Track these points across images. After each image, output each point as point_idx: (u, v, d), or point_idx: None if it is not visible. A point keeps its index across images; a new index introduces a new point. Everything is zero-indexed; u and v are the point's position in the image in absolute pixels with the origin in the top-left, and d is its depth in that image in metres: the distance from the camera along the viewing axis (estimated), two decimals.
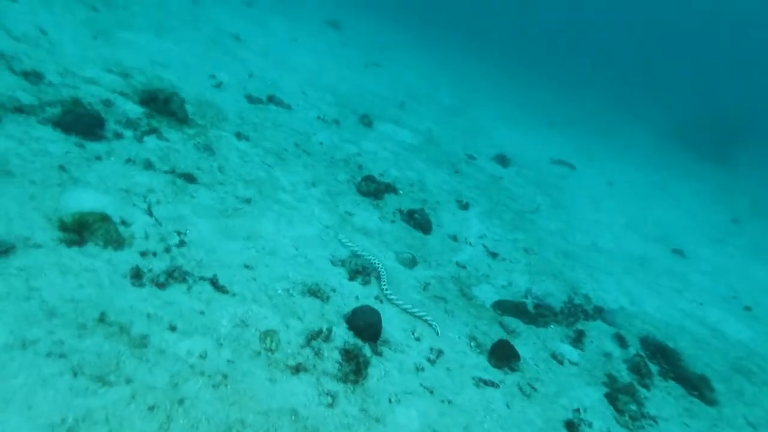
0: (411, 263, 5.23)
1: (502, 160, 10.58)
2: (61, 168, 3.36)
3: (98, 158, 3.75)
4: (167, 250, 3.33)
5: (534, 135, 14.75)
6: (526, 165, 11.11)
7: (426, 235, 6.09)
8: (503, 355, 4.19)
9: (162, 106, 5.15)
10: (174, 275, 3.16)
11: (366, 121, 9.32)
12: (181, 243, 3.49)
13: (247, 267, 3.67)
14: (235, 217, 4.20)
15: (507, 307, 5.18)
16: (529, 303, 5.51)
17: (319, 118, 8.20)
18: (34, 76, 4.32)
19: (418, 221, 6.20)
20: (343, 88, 11.32)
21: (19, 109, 3.75)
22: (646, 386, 4.67)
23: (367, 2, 24.33)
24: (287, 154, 6.16)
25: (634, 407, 4.15)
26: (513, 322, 4.94)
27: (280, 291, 3.64)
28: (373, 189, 6.40)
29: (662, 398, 4.59)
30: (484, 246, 6.51)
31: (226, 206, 4.27)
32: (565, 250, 7.36)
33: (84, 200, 3.18)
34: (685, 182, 15.90)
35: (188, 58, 7.85)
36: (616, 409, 4.14)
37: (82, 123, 3.98)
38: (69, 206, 3.06)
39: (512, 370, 4.13)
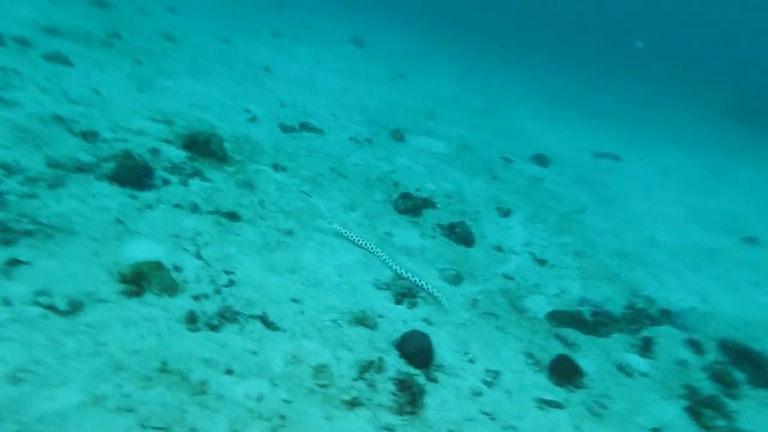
0: (456, 280, 5.09)
1: (541, 159, 10.20)
2: (118, 221, 3.57)
3: (149, 207, 3.96)
4: (218, 291, 3.42)
5: (571, 130, 14.16)
6: (567, 162, 10.65)
7: (469, 248, 5.94)
8: (565, 372, 3.95)
9: (203, 147, 5.39)
10: (226, 316, 3.24)
11: (398, 136, 9.32)
12: (230, 283, 3.58)
13: (294, 301, 3.71)
14: (278, 251, 4.27)
15: (562, 318, 4.91)
16: (586, 311, 5.20)
17: (351, 138, 8.28)
18: (90, 135, 4.66)
19: (460, 235, 6.06)
20: (371, 104, 11.42)
21: (80, 169, 4.03)
22: (732, 396, 4.23)
23: (388, 16, 24.62)
24: (323, 179, 6.24)
25: (722, 422, 3.76)
26: (571, 333, 4.67)
27: (328, 322, 3.64)
28: (411, 206, 6.34)
29: (755, 409, 4.14)
30: (531, 254, 6.25)
31: (268, 240, 4.36)
32: (619, 249, 6.93)
33: (139, 250, 3.35)
34: (746, 163, 14.61)
35: (223, 96, 8.19)
36: (702, 426, 3.77)
37: (133, 175, 4.22)
38: (127, 258, 3.23)
39: (576, 387, 3.88)
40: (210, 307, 3.24)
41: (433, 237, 5.91)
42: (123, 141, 4.87)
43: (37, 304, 2.57)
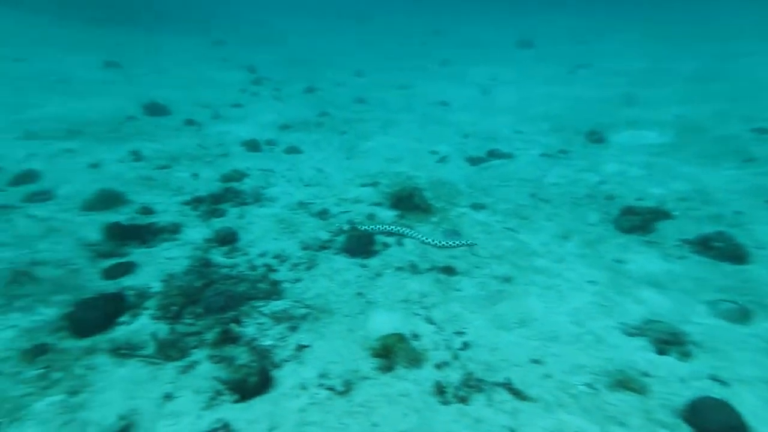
0: (740, 315, 3.74)
1: None
2: (359, 294, 3.89)
3: (378, 275, 4.22)
4: (455, 357, 3.30)
5: None
6: None
7: (742, 266, 4.39)
8: None
9: (407, 202, 5.61)
10: (470, 384, 3.07)
11: (595, 138, 7.97)
12: (464, 345, 3.42)
13: (535, 362, 3.28)
14: (501, 302, 3.94)
15: None
16: None
17: (543, 155, 7.46)
18: (323, 213, 5.40)
19: (722, 249, 4.55)
20: (555, 108, 10.22)
21: (323, 246, 4.66)
22: None
23: (549, 5, 22.29)
24: (526, 210, 5.69)
25: None
26: None
27: (581, 387, 3.07)
28: (638, 222, 5.15)
29: None
30: None
31: (489, 291, 4.08)
32: None
33: (381, 323, 3.54)
34: None
35: (411, 142, 8.59)
36: None
37: (359, 244, 4.63)
38: (373, 331, 3.44)
39: None
40: (453, 375, 3.13)
41: (681, 257, 4.60)
42: (346, 212, 5.48)
43: (322, 386, 2.92)
